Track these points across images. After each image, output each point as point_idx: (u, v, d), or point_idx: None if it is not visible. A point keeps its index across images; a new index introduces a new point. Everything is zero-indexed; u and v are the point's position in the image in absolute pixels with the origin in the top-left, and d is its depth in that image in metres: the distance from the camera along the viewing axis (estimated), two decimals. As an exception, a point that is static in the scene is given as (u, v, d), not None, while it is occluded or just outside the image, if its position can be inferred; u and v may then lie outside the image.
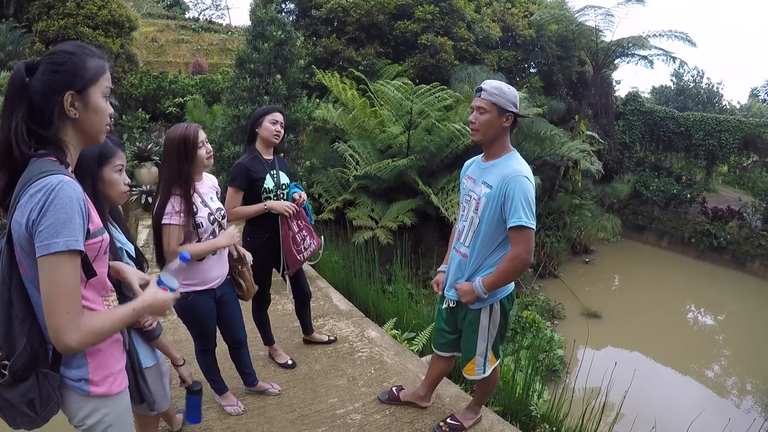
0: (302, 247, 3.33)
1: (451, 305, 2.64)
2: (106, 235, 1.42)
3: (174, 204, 2.39)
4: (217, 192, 2.72)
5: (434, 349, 2.87)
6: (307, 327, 3.91)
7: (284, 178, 3.31)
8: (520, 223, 2.24)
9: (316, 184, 8.20)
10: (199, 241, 2.51)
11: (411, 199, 8.09)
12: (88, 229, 1.31)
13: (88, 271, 1.31)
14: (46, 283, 1.23)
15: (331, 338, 4.02)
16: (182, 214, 2.39)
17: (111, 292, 1.51)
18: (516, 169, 2.30)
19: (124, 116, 10.87)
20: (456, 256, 2.59)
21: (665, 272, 12.87)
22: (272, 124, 3.13)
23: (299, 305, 3.75)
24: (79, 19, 11.08)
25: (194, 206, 2.46)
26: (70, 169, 1.33)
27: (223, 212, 2.67)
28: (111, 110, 1.40)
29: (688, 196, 14.88)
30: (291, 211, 3.17)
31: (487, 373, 2.65)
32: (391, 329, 4.66)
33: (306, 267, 5.83)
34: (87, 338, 1.28)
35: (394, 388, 3.23)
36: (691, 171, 16.71)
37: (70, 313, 1.25)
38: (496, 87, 2.31)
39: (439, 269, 2.81)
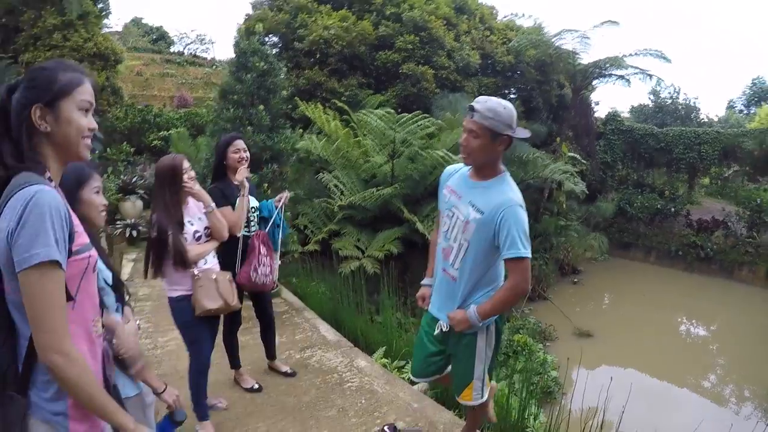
0: (259, 272, 3.34)
1: (444, 329, 2.50)
2: (93, 252, 1.39)
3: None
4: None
5: (422, 378, 2.74)
6: (269, 352, 3.88)
7: (253, 202, 3.50)
8: (518, 255, 2.18)
9: (301, 215, 8.20)
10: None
11: (397, 227, 8.12)
12: (70, 249, 1.27)
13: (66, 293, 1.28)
14: (28, 299, 1.19)
15: (290, 372, 3.92)
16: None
17: (98, 316, 1.47)
18: (510, 198, 2.22)
19: (108, 149, 10.86)
20: (445, 277, 2.48)
21: (655, 287, 12.99)
22: (236, 153, 3.31)
23: (263, 328, 3.76)
24: (65, 51, 11.16)
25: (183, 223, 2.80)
26: (53, 184, 1.31)
27: (207, 231, 2.94)
28: (92, 125, 1.37)
29: (672, 210, 15.11)
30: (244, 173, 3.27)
31: (485, 398, 2.56)
32: (381, 358, 4.62)
33: (292, 299, 5.82)
34: (69, 368, 1.23)
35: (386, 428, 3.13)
36: (674, 185, 16.98)
37: (55, 329, 1.21)
38: (491, 109, 2.14)
39: (424, 283, 2.72)
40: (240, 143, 3.32)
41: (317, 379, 3.87)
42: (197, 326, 2.89)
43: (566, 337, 9.40)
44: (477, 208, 2.27)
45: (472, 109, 2.19)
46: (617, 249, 15.07)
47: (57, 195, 1.25)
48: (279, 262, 3.76)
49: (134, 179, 8.92)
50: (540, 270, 11.54)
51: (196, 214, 2.92)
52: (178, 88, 21.66)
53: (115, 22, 28.02)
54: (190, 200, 2.91)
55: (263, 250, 3.38)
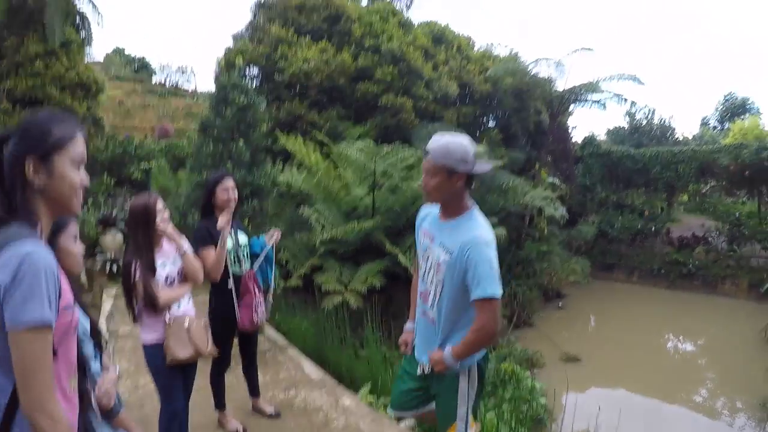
0: (258, 313, 3.40)
1: (426, 371, 2.49)
2: (76, 311, 1.38)
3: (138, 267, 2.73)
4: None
5: (400, 411, 2.70)
6: (253, 389, 3.83)
7: (242, 238, 3.47)
8: (483, 295, 2.14)
9: (283, 250, 8.10)
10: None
11: (379, 260, 8.05)
12: (58, 306, 1.25)
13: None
14: (17, 358, 1.17)
15: (274, 413, 3.85)
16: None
17: (75, 374, 1.44)
18: (475, 235, 2.20)
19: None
20: (424, 320, 2.49)
21: (639, 306, 13.10)
22: (224, 193, 3.27)
23: (246, 364, 3.73)
24: (47, 79, 11.12)
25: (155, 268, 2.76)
26: (43, 240, 1.29)
27: (182, 274, 2.90)
28: (85, 180, 1.36)
29: (653, 229, 15.36)
30: (227, 218, 3.19)
31: None
32: (367, 395, 4.57)
33: (275, 336, 5.75)
34: (52, 427, 1.21)
35: None
36: (653, 204, 17.21)
37: (43, 390, 1.19)
38: (442, 146, 2.18)
39: (406, 328, 2.70)
40: (229, 182, 3.30)
41: (302, 420, 3.81)
42: (170, 374, 2.82)
43: (554, 363, 9.37)
44: (446, 249, 2.26)
45: (426, 151, 2.23)
46: (600, 271, 15.14)
47: (51, 255, 1.24)
48: (272, 301, 3.74)
49: (114, 212, 8.83)
50: (524, 296, 11.55)
51: (170, 256, 2.88)
52: (159, 119, 21.66)
53: (97, 51, 28.12)
54: (165, 241, 2.88)
55: (256, 290, 3.39)
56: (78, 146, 1.34)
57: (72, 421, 1.37)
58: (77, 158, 1.33)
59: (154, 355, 2.78)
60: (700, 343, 11.40)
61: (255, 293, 3.36)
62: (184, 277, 2.91)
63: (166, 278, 2.81)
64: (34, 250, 1.19)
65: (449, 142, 2.21)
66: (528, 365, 8.88)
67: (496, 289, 2.15)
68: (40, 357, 1.19)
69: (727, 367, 9.65)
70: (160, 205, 2.77)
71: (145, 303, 2.70)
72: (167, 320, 2.77)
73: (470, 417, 2.49)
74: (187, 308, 2.92)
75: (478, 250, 2.16)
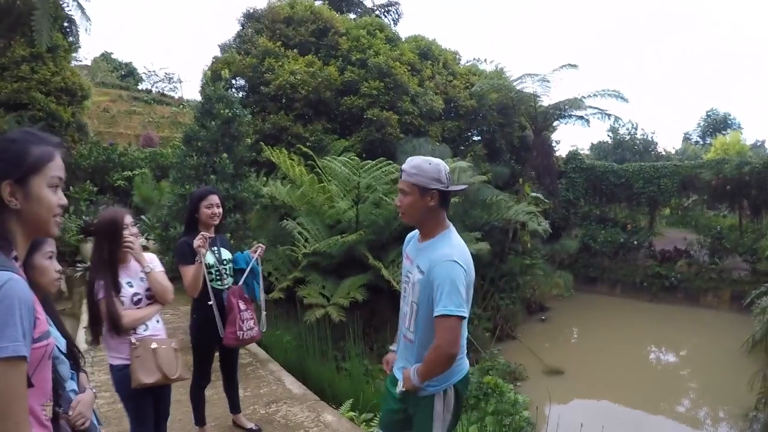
0: (244, 328, 3.34)
1: (401, 388, 2.48)
2: (51, 339, 1.36)
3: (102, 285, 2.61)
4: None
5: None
6: (233, 405, 3.81)
7: (225, 254, 3.44)
8: (441, 312, 2.14)
9: (266, 262, 8.05)
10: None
11: (362, 274, 8.06)
12: (33, 336, 1.24)
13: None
14: None
15: (255, 429, 3.82)
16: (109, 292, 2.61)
17: (49, 401, 1.43)
18: (444, 252, 2.21)
19: (71, 188, 10.63)
20: (404, 341, 2.48)
21: (622, 319, 13.26)
22: (208, 209, 3.26)
23: (225, 379, 3.71)
24: (32, 83, 11.07)
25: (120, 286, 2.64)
26: (19, 263, 1.28)
27: (149, 294, 2.76)
28: (62, 201, 1.33)
29: (635, 242, 15.55)
30: (203, 238, 3.16)
31: None
32: (348, 411, 4.57)
33: (256, 350, 5.71)
34: None
35: None
36: (636, 218, 17.41)
37: (18, 421, 1.18)
38: (415, 166, 2.22)
39: (391, 348, 2.70)
40: (213, 198, 3.30)
41: (284, 437, 3.79)
42: (139, 397, 2.72)
43: (537, 376, 9.43)
44: (420, 269, 2.28)
45: (401, 170, 2.28)
46: (583, 284, 15.30)
47: (26, 285, 1.22)
48: (265, 312, 3.70)
49: (96, 220, 8.76)
50: (507, 310, 11.62)
51: (138, 274, 2.75)
52: (144, 127, 21.56)
53: (85, 55, 27.76)
54: (133, 258, 2.76)
55: (242, 305, 3.34)
56: (55, 168, 1.31)
57: None
58: (54, 181, 1.31)
59: (122, 379, 2.66)
60: (683, 355, 11.57)
61: (239, 308, 3.31)
62: (153, 297, 2.79)
63: (133, 297, 2.69)
64: (9, 279, 1.18)
65: (423, 161, 2.26)
66: (511, 379, 8.91)
67: (454, 308, 2.12)
68: (13, 388, 1.18)
69: (709, 378, 9.79)
70: (128, 220, 2.66)
71: (108, 325, 2.58)
72: (133, 341, 2.64)
73: None
74: (156, 329, 2.77)
75: (441, 267, 2.17)
